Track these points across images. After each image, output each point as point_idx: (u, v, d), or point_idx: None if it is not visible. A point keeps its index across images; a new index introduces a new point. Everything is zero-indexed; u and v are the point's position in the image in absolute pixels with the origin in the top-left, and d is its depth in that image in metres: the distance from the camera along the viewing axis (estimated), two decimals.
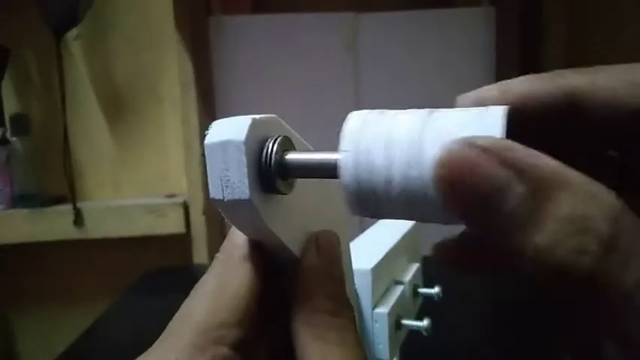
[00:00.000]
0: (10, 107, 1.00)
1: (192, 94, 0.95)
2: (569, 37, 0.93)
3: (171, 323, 0.19)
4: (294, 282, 0.20)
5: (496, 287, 0.71)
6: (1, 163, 0.95)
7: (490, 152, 0.13)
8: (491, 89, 0.17)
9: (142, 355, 0.18)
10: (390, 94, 1.00)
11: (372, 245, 0.35)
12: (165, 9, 0.96)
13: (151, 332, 0.20)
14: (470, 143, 0.13)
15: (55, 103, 0.98)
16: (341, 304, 0.19)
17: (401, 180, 0.14)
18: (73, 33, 0.98)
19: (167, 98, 1.03)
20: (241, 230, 0.20)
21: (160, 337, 0.19)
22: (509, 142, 0.13)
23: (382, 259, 0.32)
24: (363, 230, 0.39)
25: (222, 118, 0.18)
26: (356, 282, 0.29)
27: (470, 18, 1.00)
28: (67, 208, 0.96)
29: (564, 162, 0.14)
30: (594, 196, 0.12)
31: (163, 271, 0.94)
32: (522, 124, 0.16)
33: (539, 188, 0.12)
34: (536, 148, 0.14)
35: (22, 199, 0.97)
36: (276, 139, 0.17)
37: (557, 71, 0.17)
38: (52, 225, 0.96)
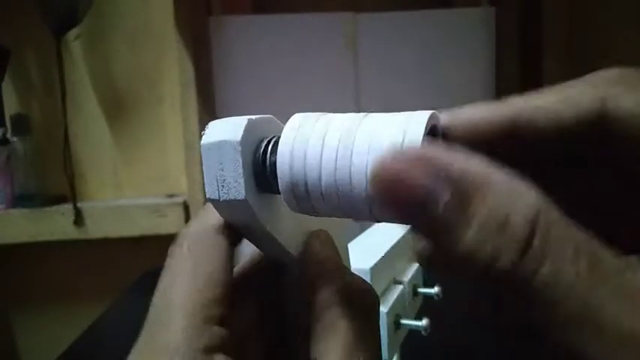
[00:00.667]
0: (11, 107, 1.00)
1: (192, 94, 0.95)
2: (569, 37, 0.93)
3: (154, 314, 0.18)
4: (299, 279, 0.20)
5: None
6: (1, 163, 0.95)
7: (419, 162, 0.13)
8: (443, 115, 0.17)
9: (135, 354, 0.18)
10: (389, 95, 1.00)
11: (371, 245, 0.35)
12: (166, 9, 0.96)
13: None
14: (400, 154, 0.13)
15: (55, 103, 0.98)
16: (348, 295, 0.19)
17: (333, 194, 0.16)
18: (73, 33, 0.98)
19: (167, 98, 1.03)
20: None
21: (147, 330, 0.18)
22: (436, 148, 0.13)
23: (381, 259, 0.32)
24: (362, 230, 0.39)
25: (223, 118, 0.18)
26: None
27: (469, 18, 0.99)
28: (68, 207, 0.96)
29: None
30: (514, 196, 0.12)
31: None
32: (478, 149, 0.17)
33: (464, 191, 0.13)
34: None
35: (23, 199, 0.97)
36: (271, 139, 0.17)
37: (505, 99, 0.17)
38: (53, 225, 0.96)
